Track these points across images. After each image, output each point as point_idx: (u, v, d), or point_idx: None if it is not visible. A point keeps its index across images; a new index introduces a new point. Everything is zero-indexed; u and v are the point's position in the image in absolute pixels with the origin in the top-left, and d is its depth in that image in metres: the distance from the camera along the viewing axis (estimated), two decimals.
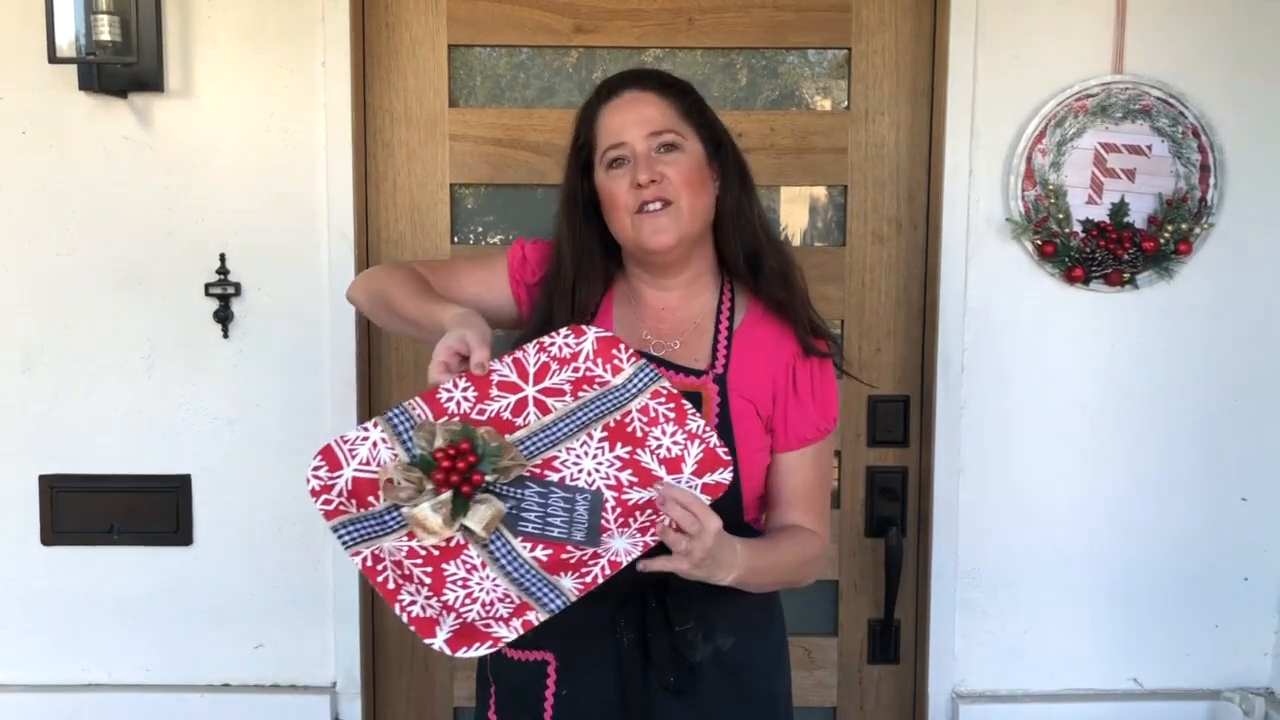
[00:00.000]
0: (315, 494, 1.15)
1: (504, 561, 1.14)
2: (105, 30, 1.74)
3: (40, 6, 1.76)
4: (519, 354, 1.26)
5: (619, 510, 1.18)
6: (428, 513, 1.12)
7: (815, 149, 1.97)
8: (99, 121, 1.87)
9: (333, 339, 1.92)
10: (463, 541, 1.14)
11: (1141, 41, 1.88)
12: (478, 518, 1.13)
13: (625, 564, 1.14)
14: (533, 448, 1.21)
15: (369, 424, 1.20)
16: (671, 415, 1.24)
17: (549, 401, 1.25)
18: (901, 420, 2.02)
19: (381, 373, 2.00)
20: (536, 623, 1.09)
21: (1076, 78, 1.88)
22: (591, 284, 1.38)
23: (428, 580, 1.12)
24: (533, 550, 1.15)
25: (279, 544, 1.96)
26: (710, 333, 1.37)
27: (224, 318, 1.90)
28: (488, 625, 1.09)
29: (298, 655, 1.98)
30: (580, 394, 1.25)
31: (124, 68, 1.81)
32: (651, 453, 1.22)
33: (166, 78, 1.86)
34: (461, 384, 1.22)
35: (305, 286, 1.91)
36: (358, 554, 1.12)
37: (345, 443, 1.19)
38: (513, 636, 1.08)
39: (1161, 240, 1.88)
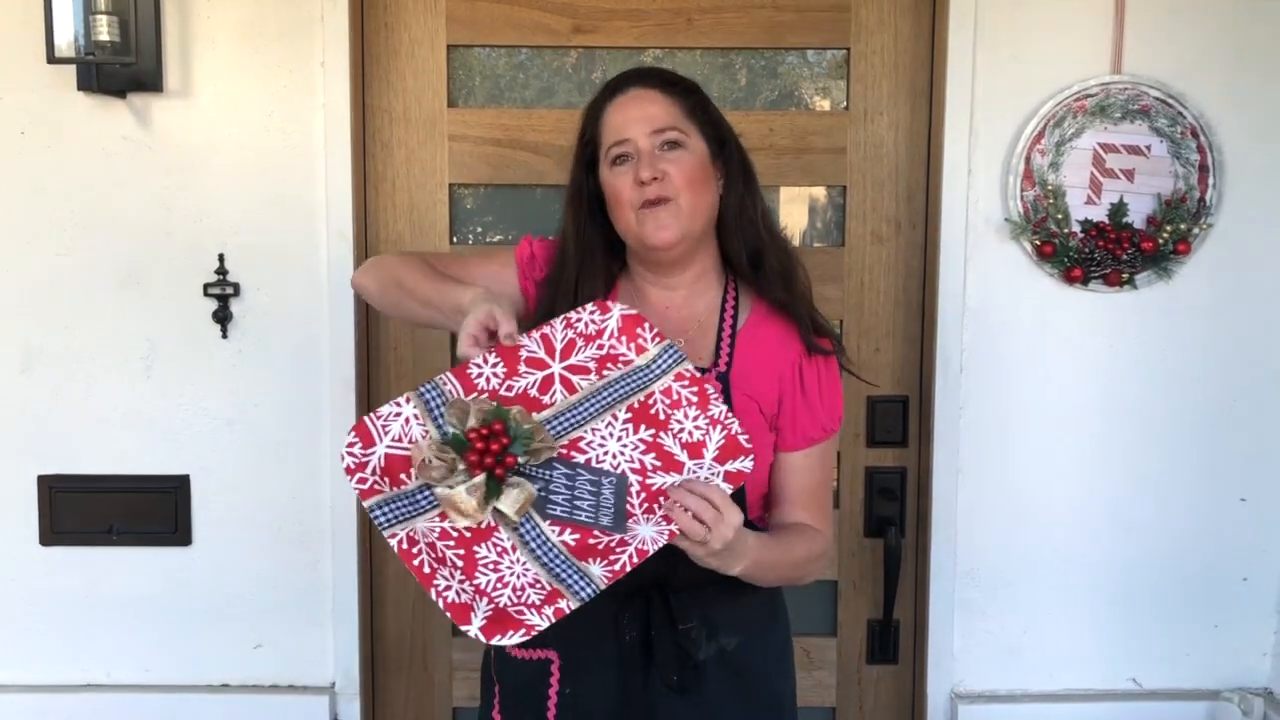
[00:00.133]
0: (350, 472, 1.16)
1: (533, 545, 1.15)
2: (104, 30, 1.74)
3: (39, 7, 1.76)
4: (546, 329, 1.26)
5: (643, 495, 1.18)
6: (462, 495, 1.13)
7: (814, 149, 1.97)
8: (98, 122, 1.87)
9: (332, 339, 1.92)
10: (494, 524, 1.15)
11: (1140, 41, 1.88)
12: (510, 501, 1.14)
13: (652, 552, 1.14)
14: (560, 427, 1.21)
15: (401, 399, 1.20)
16: (694, 399, 1.24)
17: (575, 379, 1.24)
18: (900, 420, 2.02)
19: (380, 372, 2.00)
20: (568, 610, 1.10)
21: (1075, 78, 1.88)
22: (593, 281, 1.38)
23: (459, 563, 1.13)
24: (561, 534, 1.15)
25: (278, 544, 1.96)
26: (714, 331, 1.37)
27: (223, 318, 1.90)
28: (520, 612, 1.11)
29: (297, 655, 1.98)
30: (605, 372, 1.25)
31: (123, 68, 1.81)
32: (674, 436, 1.22)
33: (165, 78, 1.86)
34: (491, 359, 1.22)
35: (304, 287, 1.91)
36: (394, 536, 1.13)
37: (378, 419, 1.18)
38: (545, 625, 1.09)
39: (1160, 240, 1.88)
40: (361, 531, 1.97)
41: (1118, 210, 1.89)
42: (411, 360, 1.99)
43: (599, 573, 1.12)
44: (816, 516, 1.37)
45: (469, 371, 1.22)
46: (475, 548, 1.14)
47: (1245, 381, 1.96)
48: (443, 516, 1.15)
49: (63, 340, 1.91)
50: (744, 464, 1.21)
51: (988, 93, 1.89)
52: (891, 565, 1.96)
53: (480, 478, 1.13)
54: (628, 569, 1.13)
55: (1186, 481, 1.98)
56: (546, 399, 1.23)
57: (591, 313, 1.28)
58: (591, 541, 1.15)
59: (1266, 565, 2.00)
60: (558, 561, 1.14)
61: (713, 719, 1.34)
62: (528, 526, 1.16)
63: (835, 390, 1.39)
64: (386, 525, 1.14)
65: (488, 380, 1.22)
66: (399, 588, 2.04)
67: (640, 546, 1.14)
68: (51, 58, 1.76)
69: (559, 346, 1.26)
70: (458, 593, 1.11)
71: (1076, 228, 1.89)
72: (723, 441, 1.22)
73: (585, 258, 1.38)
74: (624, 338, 1.27)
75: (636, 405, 1.23)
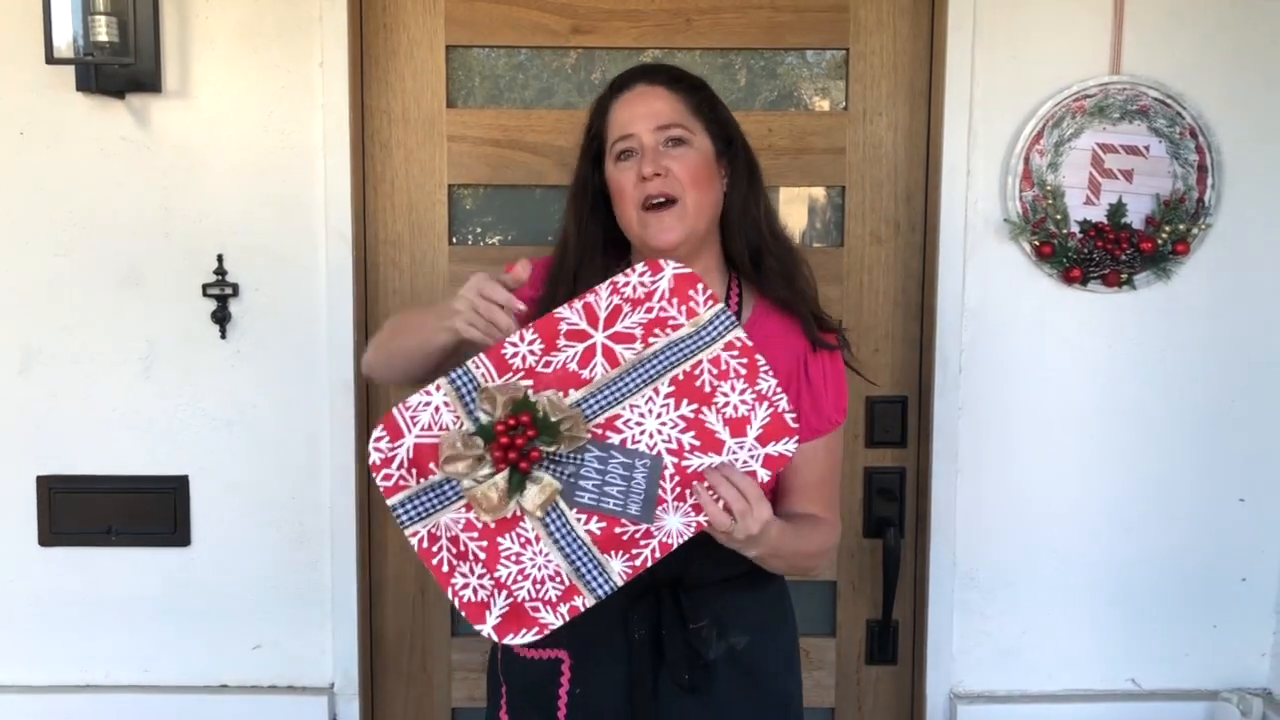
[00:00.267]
0: (376, 468, 1.15)
1: (558, 535, 1.15)
2: (103, 31, 1.74)
3: (37, 7, 1.76)
4: (590, 297, 1.20)
5: (677, 478, 1.17)
6: (485, 490, 1.12)
7: (813, 150, 1.97)
8: (96, 122, 1.87)
9: (330, 339, 1.92)
10: (519, 513, 1.15)
11: (1139, 42, 1.88)
12: (532, 497, 1.13)
13: (675, 546, 1.14)
14: (597, 405, 1.18)
15: (431, 387, 1.17)
16: (743, 371, 1.19)
17: (618, 350, 1.19)
18: (899, 421, 2.02)
19: None
20: (583, 609, 1.11)
21: (1074, 78, 1.88)
22: (593, 277, 1.38)
23: (482, 555, 1.13)
24: (587, 523, 1.15)
25: (277, 545, 1.96)
26: None
27: (222, 318, 1.90)
28: (535, 609, 1.12)
29: (296, 656, 1.98)
30: (651, 340, 1.19)
31: (121, 68, 1.81)
32: (718, 411, 1.18)
33: (164, 78, 1.86)
34: (528, 336, 1.18)
35: (303, 287, 1.91)
36: (415, 534, 1.14)
37: (407, 409, 1.16)
38: (559, 623, 1.10)
39: (1159, 241, 1.88)
40: (361, 532, 1.97)
41: (1116, 211, 1.89)
42: None
43: (619, 568, 1.13)
44: (826, 507, 1.38)
45: (503, 352, 1.17)
46: (499, 539, 1.14)
47: (1244, 382, 1.96)
48: (468, 507, 1.14)
49: (62, 341, 1.91)
50: (786, 446, 1.18)
51: (986, 93, 1.89)
52: (890, 565, 1.96)
53: (503, 473, 1.13)
54: (648, 564, 1.14)
55: (1185, 482, 1.98)
56: (586, 373, 1.18)
57: (642, 274, 1.20)
58: (617, 531, 1.15)
59: (1265, 565, 2.00)
60: (580, 554, 1.14)
61: (722, 718, 1.34)
62: (554, 515, 1.15)
63: (840, 382, 1.39)
64: (409, 523, 1.14)
65: (524, 359, 1.17)
66: (398, 588, 2.04)
67: (664, 540, 1.15)
68: (50, 58, 1.75)
69: (603, 315, 1.19)
70: (475, 590, 1.12)
71: (1075, 228, 1.89)
72: (768, 420, 1.19)
73: (585, 254, 1.38)
74: (675, 299, 1.20)
75: (681, 377, 1.19)
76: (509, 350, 1.17)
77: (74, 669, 1.98)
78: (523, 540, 1.14)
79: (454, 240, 1.99)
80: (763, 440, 1.18)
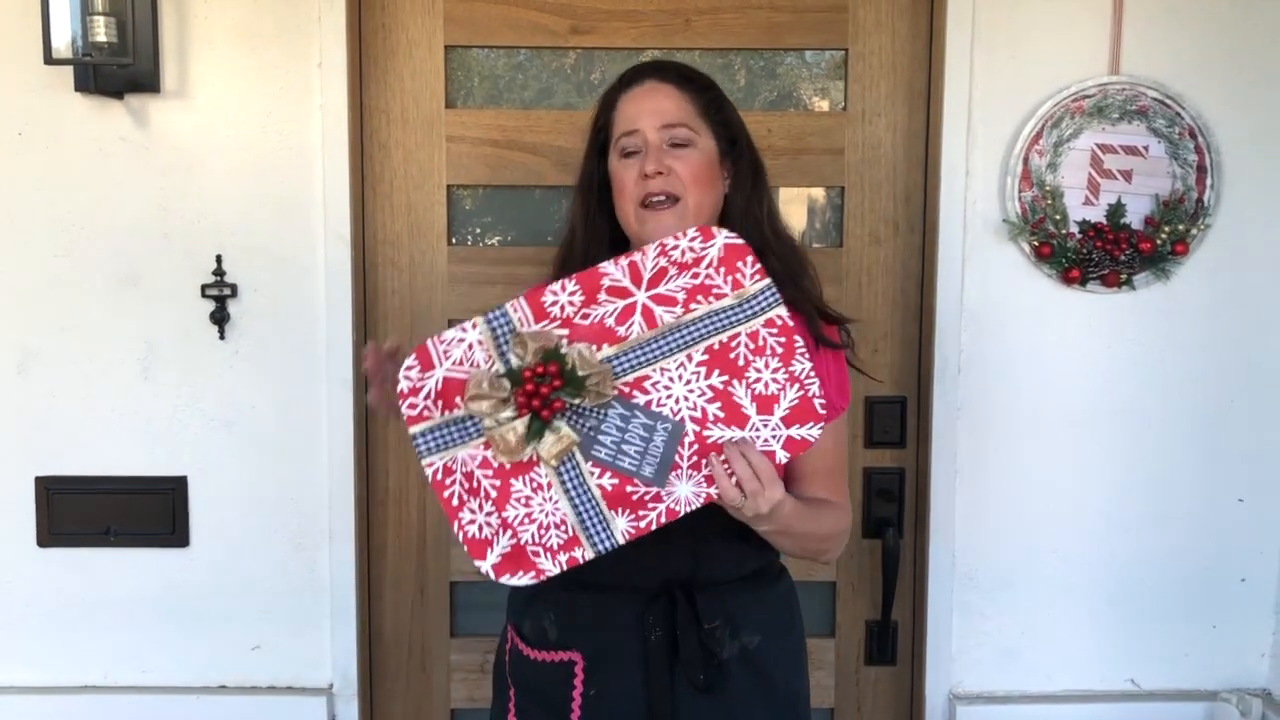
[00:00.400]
0: (403, 396, 1.15)
1: (569, 485, 1.16)
2: (101, 31, 1.73)
3: (36, 7, 1.75)
4: (636, 256, 1.18)
5: (696, 447, 1.17)
6: (504, 432, 1.14)
7: (812, 150, 1.97)
8: (95, 123, 1.86)
9: (329, 340, 1.91)
10: (535, 458, 1.16)
11: (1138, 42, 1.88)
12: (547, 446, 1.15)
13: (682, 514, 1.15)
14: (628, 363, 1.18)
15: (468, 324, 1.17)
16: (779, 349, 1.18)
17: (658, 311, 1.18)
18: (898, 421, 2.02)
19: None
20: (582, 561, 1.14)
21: (1073, 78, 1.88)
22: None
23: (493, 493, 1.15)
24: (599, 477, 1.16)
25: (276, 545, 1.95)
26: None
27: (220, 319, 1.90)
28: (536, 554, 1.14)
29: (295, 657, 1.98)
30: (693, 306, 1.18)
31: (120, 69, 1.80)
32: (748, 386, 1.18)
33: (162, 79, 1.85)
34: (570, 286, 1.17)
35: (302, 288, 1.91)
36: (430, 465, 1.15)
37: (441, 343, 1.16)
38: (556, 571, 1.13)
39: (1158, 241, 1.88)
40: (360, 532, 1.97)
41: (1116, 211, 1.89)
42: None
43: (623, 526, 1.15)
44: (835, 491, 1.38)
45: (543, 299, 1.17)
46: (512, 480, 1.16)
47: (1243, 382, 1.96)
48: (486, 445, 1.16)
49: (60, 341, 1.91)
50: (810, 431, 1.18)
51: (986, 93, 1.89)
52: (890, 566, 1.96)
53: (525, 419, 1.14)
54: (653, 527, 1.15)
55: (1185, 482, 1.98)
56: (622, 330, 1.18)
57: (692, 239, 1.19)
58: (628, 490, 1.16)
59: (1265, 566, 2.00)
60: (588, 506, 1.15)
61: (736, 717, 1.35)
62: (568, 465, 1.16)
63: (842, 371, 1.40)
64: (426, 454, 1.15)
65: (562, 308, 1.17)
66: (397, 589, 2.04)
67: (672, 506, 1.16)
68: (49, 59, 1.75)
69: (647, 274, 1.18)
70: (480, 527, 1.14)
71: (1074, 228, 1.89)
72: (796, 401, 1.18)
73: (592, 246, 1.39)
74: (722, 268, 1.19)
75: (716, 347, 1.18)
76: (548, 298, 1.17)
77: (73, 670, 1.98)
78: (535, 485, 1.16)
79: (453, 241, 1.99)
80: (788, 421, 1.18)
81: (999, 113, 1.89)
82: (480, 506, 1.15)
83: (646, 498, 1.16)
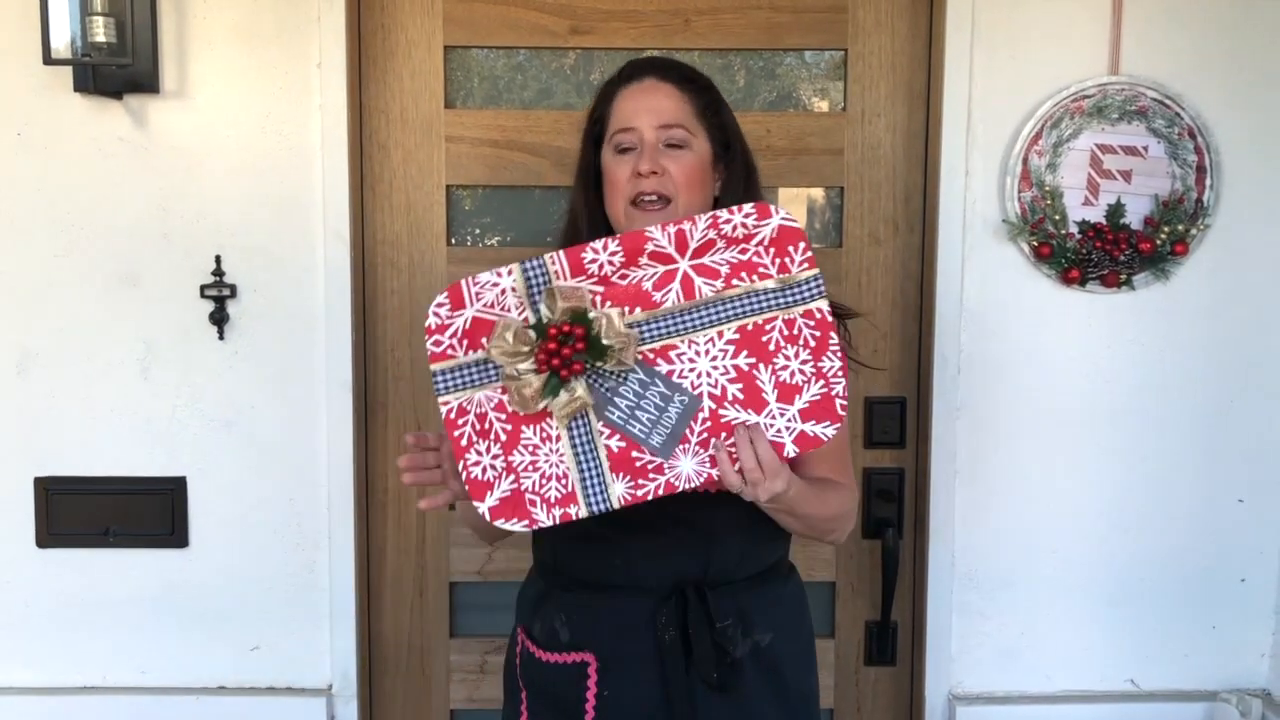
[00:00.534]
0: (430, 331, 1.16)
1: (578, 442, 1.17)
2: (100, 32, 1.73)
3: (35, 8, 1.75)
4: (685, 224, 1.16)
5: (708, 424, 1.17)
6: (522, 385, 1.15)
7: (812, 150, 1.97)
8: (94, 123, 1.86)
9: (328, 341, 1.91)
10: (548, 411, 1.17)
11: (1138, 42, 1.88)
12: (560, 404, 1.16)
13: (680, 490, 1.16)
14: (657, 330, 1.17)
15: (504, 269, 1.17)
16: (812, 342, 1.17)
17: (698, 282, 1.17)
18: (898, 421, 2.02)
19: (377, 375, 2.00)
20: (575, 518, 1.15)
21: (1073, 78, 1.88)
22: None
23: (504, 437, 1.17)
24: (608, 438, 1.17)
25: (275, 546, 1.95)
26: None
27: (220, 319, 1.90)
28: (533, 503, 1.16)
29: (294, 657, 1.98)
30: (735, 283, 1.17)
31: (119, 69, 1.80)
32: (773, 372, 1.17)
33: (162, 79, 1.85)
34: (612, 246, 1.16)
35: (301, 288, 1.91)
36: (446, 404, 1.16)
37: (475, 284, 1.17)
38: (549, 523, 1.15)
39: (1158, 241, 1.88)
40: (359, 533, 1.97)
41: (1115, 211, 1.89)
42: (410, 362, 1.99)
43: (620, 491, 1.16)
44: (840, 472, 1.38)
45: (582, 255, 1.16)
46: (524, 427, 1.17)
47: (1243, 382, 1.96)
48: (504, 390, 1.17)
49: (59, 342, 1.91)
50: (825, 430, 1.17)
51: (985, 94, 1.89)
52: (889, 566, 1.96)
53: (543, 375, 1.15)
54: (649, 498, 1.15)
55: (1185, 482, 1.98)
56: (658, 296, 1.17)
57: (747, 215, 1.16)
58: (634, 455, 1.17)
59: (1264, 566, 2.00)
60: (591, 466, 1.17)
61: (749, 715, 1.35)
62: (579, 422, 1.17)
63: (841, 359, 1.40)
64: (444, 392, 1.16)
65: (600, 266, 1.16)
66: (396, 589, 2.04)
67: (672, 480, 1.16)
68: (48, 59, 1.75)
69: (694, 244, 1.16)
70: (485, 469, 1.16)
71: (1074, 229, 1.89)
72: (818, 397, 1.17)
73: (596, 234, 1.37)
74: (772, 249, 1.17)
75: (750, 328, 1.17)
76: (588, 255, 1.17)
77: (72, 670, 1.97)
78: (544, 435, 1.17)
79: (452, 241, 1.99)
80: (805, 416, 1.17)
81: (998, 113, 1.89)
82: (488, 449, 1.17)
83: (649, 467, 1.16)
